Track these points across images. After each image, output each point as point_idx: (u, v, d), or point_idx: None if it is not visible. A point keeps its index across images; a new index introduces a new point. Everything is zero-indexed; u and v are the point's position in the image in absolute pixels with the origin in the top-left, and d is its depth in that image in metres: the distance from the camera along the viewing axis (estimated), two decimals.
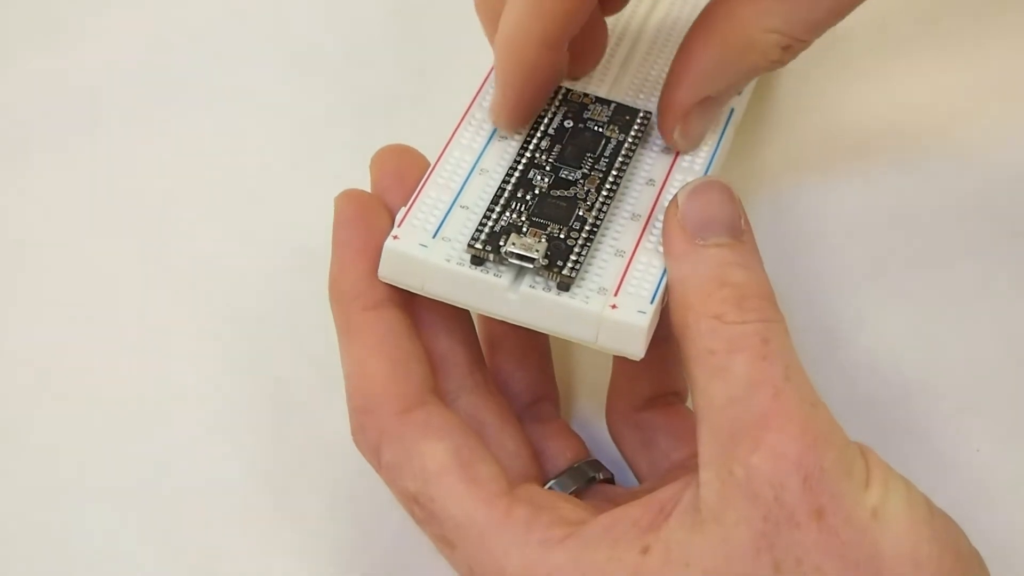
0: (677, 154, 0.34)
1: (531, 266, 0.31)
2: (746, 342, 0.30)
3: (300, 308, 0.35)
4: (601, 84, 0.36)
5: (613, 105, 0.35)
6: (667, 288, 0.31)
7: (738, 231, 0.31)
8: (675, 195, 0.32)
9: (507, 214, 0.32)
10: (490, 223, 0.32)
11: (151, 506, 0.37)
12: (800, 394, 0.29)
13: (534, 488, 0.32)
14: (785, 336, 0.30)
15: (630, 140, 0.34)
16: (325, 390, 0.35)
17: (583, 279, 0.31)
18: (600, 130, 0.34)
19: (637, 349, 0.31)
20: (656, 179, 0.34)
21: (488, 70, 0.35)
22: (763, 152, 0.40)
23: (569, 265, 0.31)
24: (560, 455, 0.35)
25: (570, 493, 0.34)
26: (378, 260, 0.32)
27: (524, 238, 0.31)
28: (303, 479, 0.37)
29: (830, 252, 0.39)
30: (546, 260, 0.31)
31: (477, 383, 0.34)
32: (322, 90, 0.42)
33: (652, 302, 0.31)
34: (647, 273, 0.32)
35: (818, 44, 0.41)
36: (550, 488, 0.34)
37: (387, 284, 0.32)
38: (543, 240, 0.32)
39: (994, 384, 0.38)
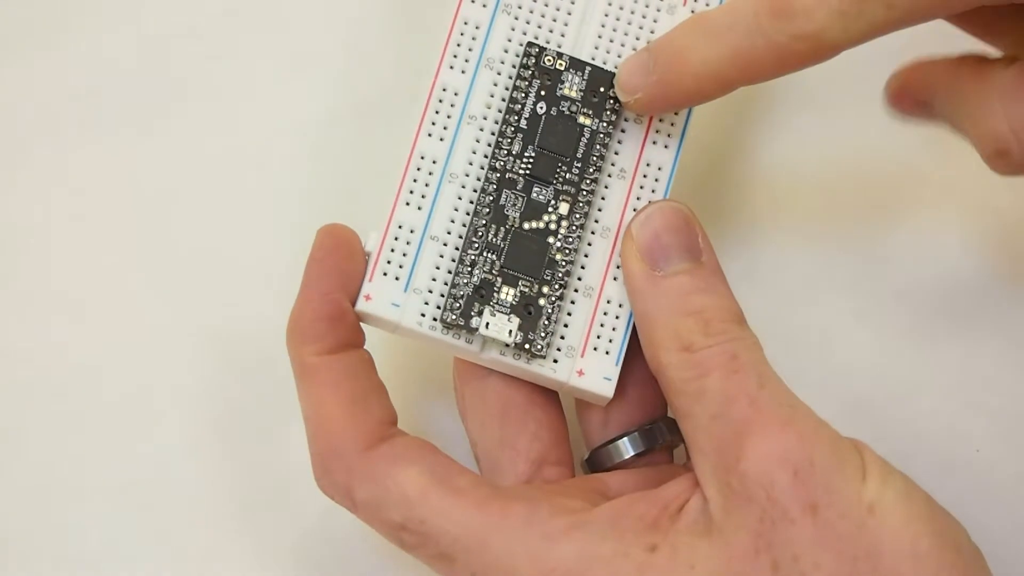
0: (648, 129, 0.34)
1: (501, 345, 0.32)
2: (715, 362, 0.30)
3: None
4: (567, 31, 0.34)
5: (587, 70, 0.34)
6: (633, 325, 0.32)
7: (696, 253, 0.32)
8: (629, 224, 0.32)
9: (479, 267, 0.32)
10: (462, 282, 0.32)
11: (151, 506, 0.37)
12: (776, 398, 0.30)
13: (521, 486, 0.32)
14: (755, 350, 0.31)
15: (603, 128, 0.33)
16: None
17: (552, 335, 0.32)
18: (573, 114, 0.33)
19: (602, 404, 0.33)
20: (627, 170, 0.34)
21: (439, 60, 0.34)
22: (762, 150, 0.40)
23: (539, 343, 0.32)
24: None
25: (636, 455, 0.34)
26: (340, 306, 0.32)
27: (496, 316, 0.32)
28: (302, 479, 0.36)
29: (829, 251, 0.39)
30: (520, 338, 0.32)
31: None
32: (322, 90, 0.41)
33: (618, 363, 0.32)
34: (611, 319, 0.33)
35: None
36: (614, 446, 0.34)
37: (344, 329, 0.32)
38: (513, 315, 0.32)
39: (994, 384, 0.38)
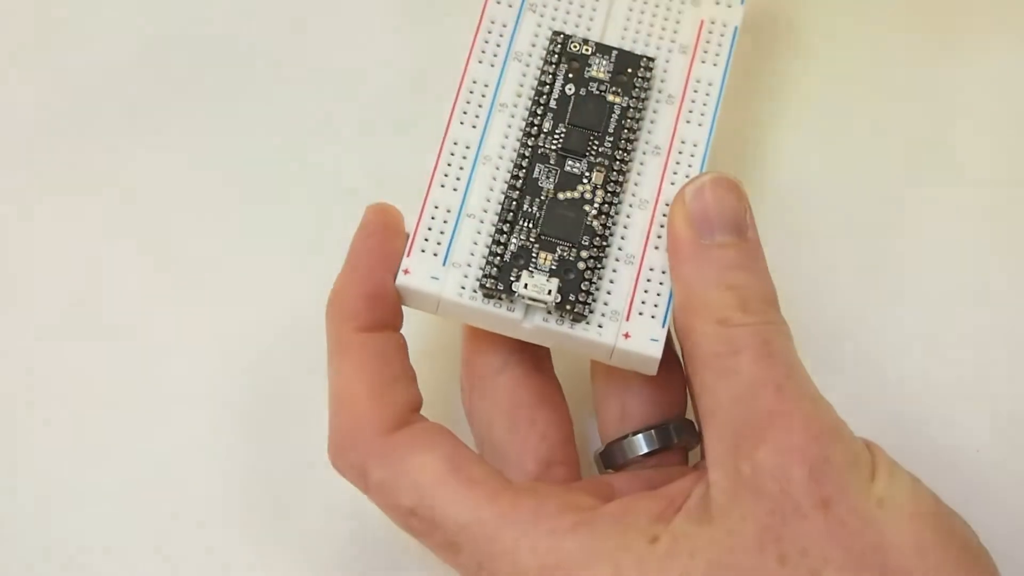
0: (679, 110, 0.34)
1: (544, 306, 0.32)
2: (749, 341, 0.30)
3: (301, 308, 0.35)
4: (592, 26, 0.35)
5: (614, 53, 0.34)
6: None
7: (743, 229, 0.32)
8: (681, 189, 0.32)
9: (516, 235, 0.32)
10: (500, 250, 0.32)
11: (151, 506, 0.37)
12: (803, 390, 0.30)
13: (532, 482, 0.32)
14: (787, 338, 0.31)
15: (633, 104, 0.34)
16: (325, 390, 0.35)
17: (594, 300, 0.32)
18: (602, 93, 0.34)
19: (650, 371, 0.32)
20: (662, 146, 0.34)
21: (476, 27, 0.35)
22: (766, 151, 0.40)
23: (581, 300, 0.32)
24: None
25: (649, 453, 0.33)
26: (383, 286, 0.32)
27: (535, 276, 0.32)
28: (303, 479, 0.37)
29: (832, 251, 0.39)
30: (559, 298, 0.32)
31: (523, 360, 0.33)
32: (321, 89, 0.41)
33: (664, 325, 0.32)
34: (655, 285, 0.32)
35: (826, 44, 0.42)
36: (628, 441, 0.34)
37: (384, 308, 0.32)
38: (553, 277, 0.32)
39: (994, 384, 0.38)
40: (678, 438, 0.34)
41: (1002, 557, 0.30)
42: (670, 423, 0.34)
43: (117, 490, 0.37)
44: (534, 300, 0.32)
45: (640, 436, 0.33)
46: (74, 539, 0.37)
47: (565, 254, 0.32)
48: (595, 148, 0.33)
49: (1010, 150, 0.41)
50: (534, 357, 0.34)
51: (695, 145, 0.34)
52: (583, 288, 0.32)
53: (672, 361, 0.33)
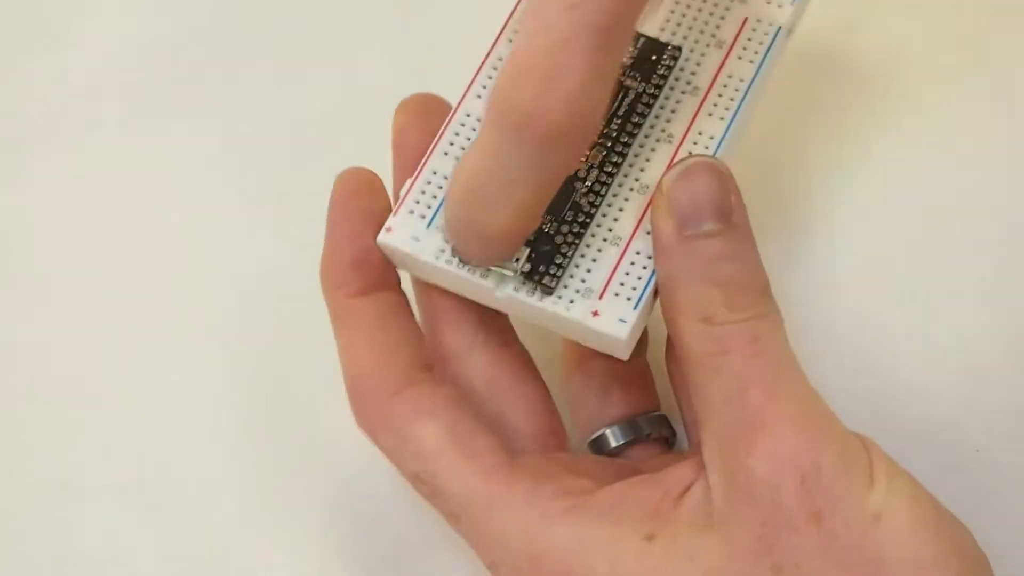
0: (702, 102, 0.33)
1: (511, 275, 0.31)
2: (736, 341, 0.29)
3: (300, 306, 0.35)
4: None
5: (641, 41, 0.34)
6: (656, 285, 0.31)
7: (728, 215, 0.30)
8: (661, 178, 0.31)
9: None
10: None
11: (151, 505, 0.37)
12: (793, 389, 0.29)
13: (536, 457, 0.32)
14: (777, 330, 0.30)
15: (649, 91, 0.33)
16: (325, 389, 0.35)
17: (570, 277, 0.31)
18: (620, 78, 0.33)
19: (621, 355, 0.31)
20: (675, 136, 0.33)
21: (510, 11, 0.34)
22: (766, 148, 0.40)
23: (551, 273, 0.31)
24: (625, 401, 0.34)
25: (619, 446, 0.34)
26: (364, 249, 0.32)
27: None
28: (303, 478, 0.37)
29: (831, 251, 0.39)
30: (528, 267, 0.31)
31: (490, 338, 0.33)
32: (321, 89, 0.42)
33: (636, 308, 0.31)
34: (638, 269, 0.31)
35: (823, 52, 0.42)
36: (601, 436, 0.34)
37: (372, 271, 0.32)
38: (525, 248, 0.31)
39: (994, 384, 0.38)
40: (652, 430, 0.34)
41: (1002, 557, 0.30)
42: (642, 415, 0.34)
43: (117, 490, 0.37)
44: (500, 268, 0.31)
45: (616, 428, 0.34)
46: (74, 539, 0.37)
47: (545, 227, 0.32)
48: (600, 129, 0.33)
49: (1008, 149, 0.41)
50: (500, 333, 0.33)
51: (711, 137, 0.33)
52: (555, 262, 0.31)
53: (640, 354, 0.33)
